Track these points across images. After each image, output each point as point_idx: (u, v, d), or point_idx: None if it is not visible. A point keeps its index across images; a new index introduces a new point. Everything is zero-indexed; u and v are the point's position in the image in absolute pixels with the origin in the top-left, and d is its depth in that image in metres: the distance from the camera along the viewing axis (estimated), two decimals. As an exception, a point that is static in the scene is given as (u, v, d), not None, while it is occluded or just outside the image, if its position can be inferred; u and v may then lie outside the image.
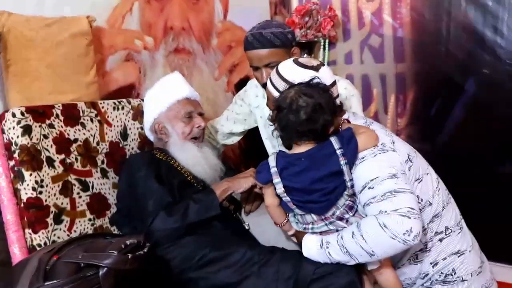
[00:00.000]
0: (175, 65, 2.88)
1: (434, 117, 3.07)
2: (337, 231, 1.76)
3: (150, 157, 2.21)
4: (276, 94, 1.82)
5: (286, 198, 1.78)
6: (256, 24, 2.29)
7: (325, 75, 1.79)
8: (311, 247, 1.79)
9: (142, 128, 2.42)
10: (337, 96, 1.81)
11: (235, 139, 2.71)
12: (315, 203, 1.74)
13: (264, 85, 2.32)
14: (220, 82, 3.15)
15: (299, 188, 1.74)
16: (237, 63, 3.19)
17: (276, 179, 1.76)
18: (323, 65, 1.83)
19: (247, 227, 2.23)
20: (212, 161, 2.27)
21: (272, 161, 1.77)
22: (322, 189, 1.72)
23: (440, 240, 1.89)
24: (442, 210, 1.89)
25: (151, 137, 2.37)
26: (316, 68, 1.78)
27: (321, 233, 1.79)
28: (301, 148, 1.74)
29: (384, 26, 3.23)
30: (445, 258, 1.88)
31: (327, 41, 3.33)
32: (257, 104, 2.55)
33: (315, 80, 1.74)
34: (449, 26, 3.00)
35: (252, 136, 2.74)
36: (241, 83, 3.01)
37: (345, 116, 1.86)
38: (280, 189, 1.76)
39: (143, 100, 2.42)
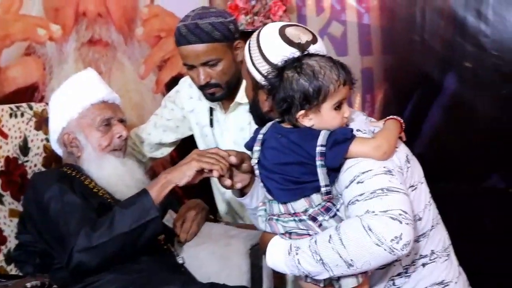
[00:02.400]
0: (89, 60, 2.86)
1: (408, 120, 3.14)
2: (309, 235, 1.79)
3: (60, 173, 2.19)
4: (251, 69, 1.87)
5: (257, 171, 1.88)
6: (189, 11, 2.30)
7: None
8: (277, 253, 1.79)
9: (47, 140, 2.40)
10: None
11: (165, 151, 2.72)
12: (277, 183, 1.81)
13: (201, 87, 2.35)
14: (147, 81, 3.14)
15: (264, 164, 1.84)
16: (168, 57, 3.19)
17: (257, 147, 1.86)
18: (314, 42, 1.87)
19: (180, 261, 2.23)
20: (138, 177, 2.27)
21: (265, 128, 1.88)
22: (284, 174, 1.79)
23: (423, 265, 1.92)
24: (431, 229, 1.92)
25: (59, 151, 2.34)
26: (302, 48, 1.83)
27: (290, 235, 1.82)
28: (287, 124, 1.82)
29: (347, 11, 3.29)
30: (425, 288, 1.93)
31: (278, 29, 3.37)
32: (191, 107, 2.57)
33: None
34: (424, 11, 3.08)
35: (186, 147, 2.74)
36: (173, 83, 3.00)
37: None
38: (255, 159, 1.86)
39: (48, 104, 2.40)
